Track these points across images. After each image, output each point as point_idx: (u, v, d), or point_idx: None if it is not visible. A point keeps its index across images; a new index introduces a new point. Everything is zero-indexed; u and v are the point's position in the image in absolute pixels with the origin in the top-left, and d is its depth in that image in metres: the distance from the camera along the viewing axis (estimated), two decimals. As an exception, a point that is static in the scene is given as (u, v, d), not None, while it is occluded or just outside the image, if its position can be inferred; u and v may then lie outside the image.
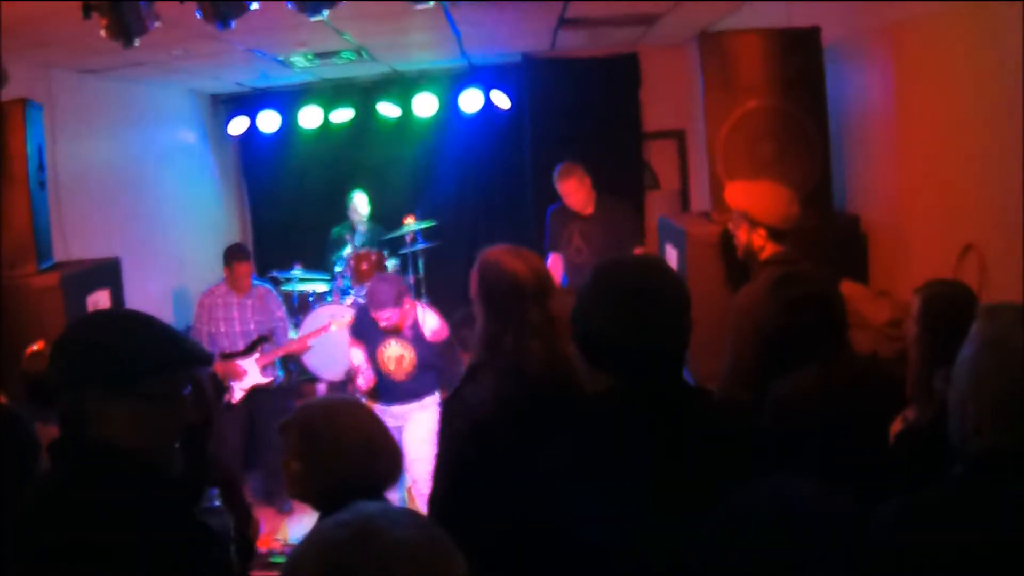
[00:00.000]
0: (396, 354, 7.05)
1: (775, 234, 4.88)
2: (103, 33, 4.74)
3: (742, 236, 5.01)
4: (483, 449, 2.93)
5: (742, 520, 1.78)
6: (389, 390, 7.18)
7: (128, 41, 4.75)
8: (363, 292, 9.59)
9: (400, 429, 7.09)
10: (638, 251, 8.07)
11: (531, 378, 3.43)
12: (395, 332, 7.05)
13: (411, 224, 10.53)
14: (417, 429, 7.12)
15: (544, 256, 8.39)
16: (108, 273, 6.93)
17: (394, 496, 7.05)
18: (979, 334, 2.32)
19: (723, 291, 5.64)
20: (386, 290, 6.91)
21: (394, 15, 7.28)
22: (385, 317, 6.86)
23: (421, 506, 7.41)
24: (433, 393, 7.31)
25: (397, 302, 6.87)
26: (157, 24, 4.85)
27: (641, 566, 2.28)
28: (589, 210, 8.29)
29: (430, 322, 7.16)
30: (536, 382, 3.43)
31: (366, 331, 7.15)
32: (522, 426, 3.02)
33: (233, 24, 4.79)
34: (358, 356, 7.17)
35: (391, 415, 7.06)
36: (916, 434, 3.54)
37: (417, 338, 7.12)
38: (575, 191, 8.19)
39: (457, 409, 3.52)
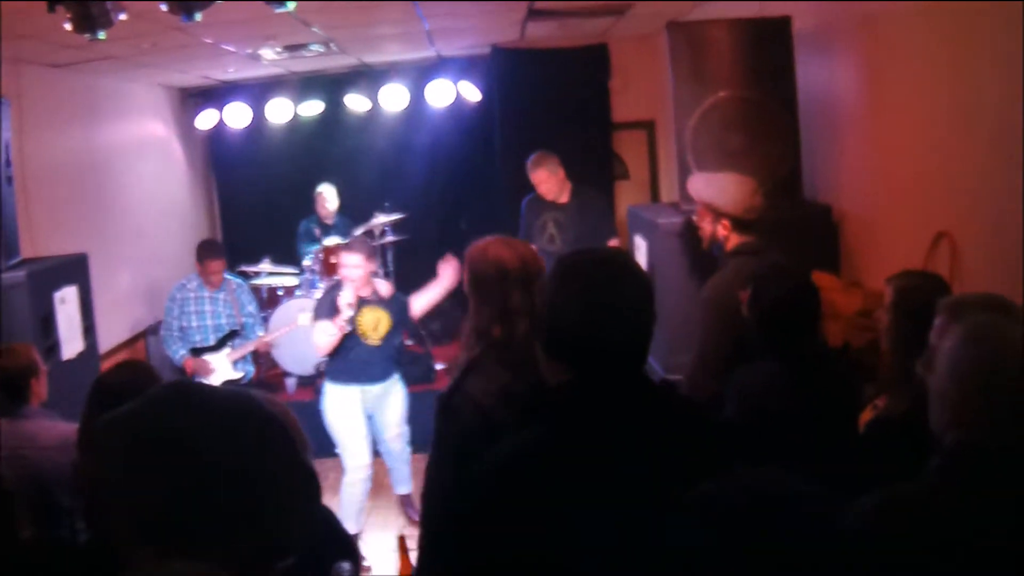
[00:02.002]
0: (372, 319, 6.98)
1: (739, 224, 4.88)
2: (68, 27, 4.70)
3: (706, 228, 5.01)
4: (491, 440, 2.90)
5: (712, 512, 1.76)
6: (367, 368, 7.05)
7: (93, 34, 4.70)
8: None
9: (372, 416, 7.13)
10: (613, 243, 8.09)
11: (530, 366, 3.41)
12: (363, 301, 6.97)
13: (380, 218, 10.53)
14: (393, 411, 7.20)
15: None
16: (76, 269, 6.91)
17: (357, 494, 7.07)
18: (957, 326, 2.33)
19: (691, 281, 5.65)
20: (361, 243, 7.05)
21: (362, 7, 7.25)
22: (354, 264, 6.81)
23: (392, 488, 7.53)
24: (395, 374, 7.28)
25: (369, 255, 6.92)
26: (123, 17, 4.80)
27: (605, 561, 2.26)
28: (563, 199, 8.31)
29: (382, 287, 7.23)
30: (535, 369, 3.40)
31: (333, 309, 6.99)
32: (527, 416, 2.98)
33: (199, 16, 4.75)
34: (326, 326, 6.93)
35: (371, 397, 7.07)
36: (889, 423, 3.55)
37: (383, 302, 7.08)
38: (545, 181, 8.21)
39: (459, 404, 3.47)
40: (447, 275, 6.94)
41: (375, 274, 7.23)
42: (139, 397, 1.68)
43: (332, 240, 10.39)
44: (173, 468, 1.57)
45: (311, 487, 1.74)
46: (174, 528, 1.56)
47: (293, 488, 1.67)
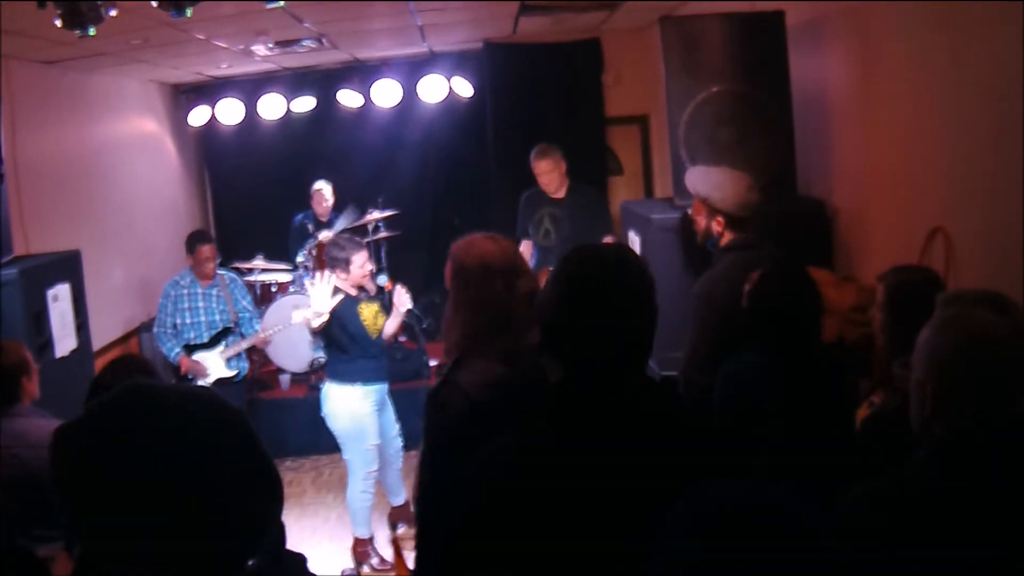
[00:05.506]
0: (371, 313, 7.05)
1: (734, 221, 4.87)
2: (58, 23, 4.68)
3: (701, 222, 5.00)
4: (481, 432, 2.89)
5: (689, 525, 1.72)
6: (375, 367, 7.09)
7: (83, 31, 4.68)
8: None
9: (375, 415, 7.07)
10: (608, 241, 8.10)
11: (520, 358, 3.42)
12: (365, 296, 7.12)
13: (374, 214, 10.53)
14: (389, 412, 7.26)
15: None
16: (69, 266, 6.90)
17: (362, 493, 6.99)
18: (938, 317, 2.33)
19: (685, 277, 5.64)
20: (344, 240, 7.25)
21: (354, 1, 7.25)
22: (367, 263, 7.05)
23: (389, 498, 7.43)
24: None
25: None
26: (113, 13, 4.78)
27: (587, 563, 2.24)
28: (560, 195, 8.36)
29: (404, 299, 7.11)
30: (524, 362, 3.41)
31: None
32: (515, 409, 2.95)
33: (189, 12, 4.73)
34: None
35: (373, 395, 7.06)
36: (883, 419, 3.55)
37: (378, 296, 7.28)
38: (548, 171, 8.27)
39: (451, 394, 3.47)
40: (399, 301, 7.00)
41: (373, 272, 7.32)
42: (92, 405, 1.66)
43: (326, 235, 10.34)
44: (125, 476, 1.55)
45: (272, 486, 1.72)
46: (129, 537, 1.55)
47: (253, 488, 1.66)
